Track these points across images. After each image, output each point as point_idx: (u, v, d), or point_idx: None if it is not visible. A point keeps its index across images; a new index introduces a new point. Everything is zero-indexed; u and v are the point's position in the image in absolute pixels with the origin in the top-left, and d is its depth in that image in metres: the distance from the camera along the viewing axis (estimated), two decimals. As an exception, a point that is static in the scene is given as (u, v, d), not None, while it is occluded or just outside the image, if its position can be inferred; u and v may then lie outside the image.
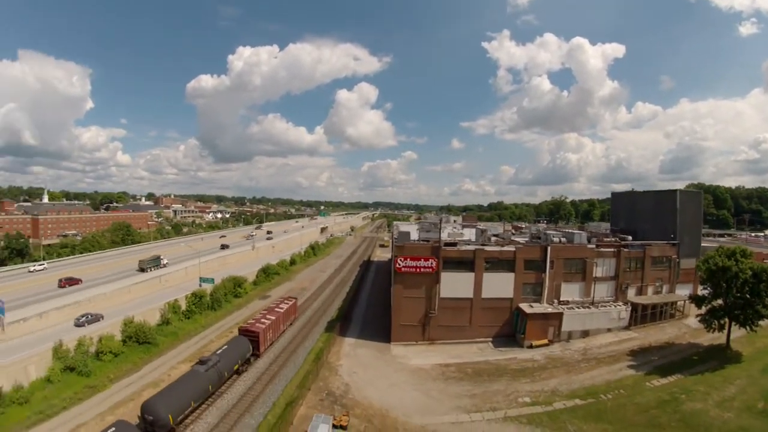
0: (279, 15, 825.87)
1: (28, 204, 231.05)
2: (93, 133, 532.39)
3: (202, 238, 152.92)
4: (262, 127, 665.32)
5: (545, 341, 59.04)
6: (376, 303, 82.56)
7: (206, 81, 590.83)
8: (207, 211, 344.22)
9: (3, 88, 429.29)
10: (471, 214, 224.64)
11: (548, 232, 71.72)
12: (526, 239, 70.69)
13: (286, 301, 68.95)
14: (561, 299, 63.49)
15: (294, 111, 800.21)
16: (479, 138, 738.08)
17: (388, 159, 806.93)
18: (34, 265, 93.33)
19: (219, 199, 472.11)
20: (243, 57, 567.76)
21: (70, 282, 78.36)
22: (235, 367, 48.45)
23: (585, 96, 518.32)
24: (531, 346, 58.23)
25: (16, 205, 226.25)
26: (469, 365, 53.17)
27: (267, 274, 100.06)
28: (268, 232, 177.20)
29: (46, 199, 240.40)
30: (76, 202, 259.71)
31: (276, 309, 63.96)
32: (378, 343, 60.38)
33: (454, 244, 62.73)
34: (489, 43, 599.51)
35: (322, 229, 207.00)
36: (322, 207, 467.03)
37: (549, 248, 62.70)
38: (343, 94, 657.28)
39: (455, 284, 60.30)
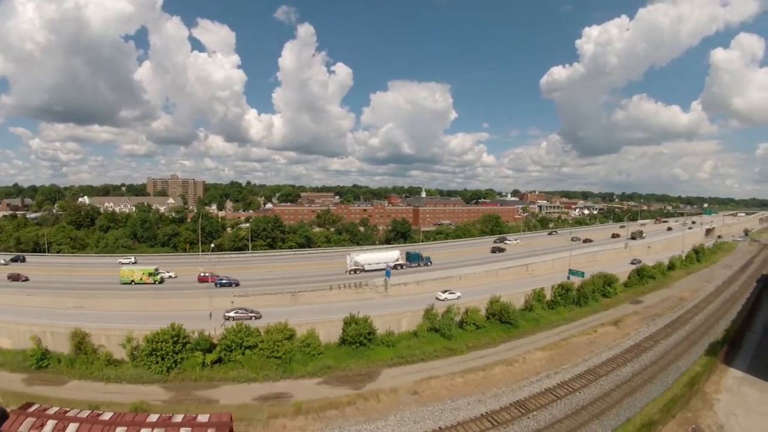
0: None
1: (410, 198, 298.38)
2: (459, 139, 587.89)
3: (570, 232, 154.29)
4: (627, 112, 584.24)
5: None
6: (780, 332, 61.33)
7: (558, 73, 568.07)
8: (573, 207, 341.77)
9: (382, 113, 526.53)
10: None
11: None
12: None
13: None
14: None
15: (662, 87, 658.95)
16: None
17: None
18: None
19: (585, 196, 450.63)
20: (591, 38, 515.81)
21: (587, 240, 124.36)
22: None
23: None
24: None
25: (399, 199, 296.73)
26: None
27: (641, 276, 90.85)
28: (692, 223, 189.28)
29: (423, 195, 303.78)
30: (449, 197, 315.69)
31: None
32: (774, 386, 44.59)
33: None
34: None
35: (708, 231, 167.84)
36: (706, 204, 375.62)
37: None
38: (718, 55, 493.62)
39: None
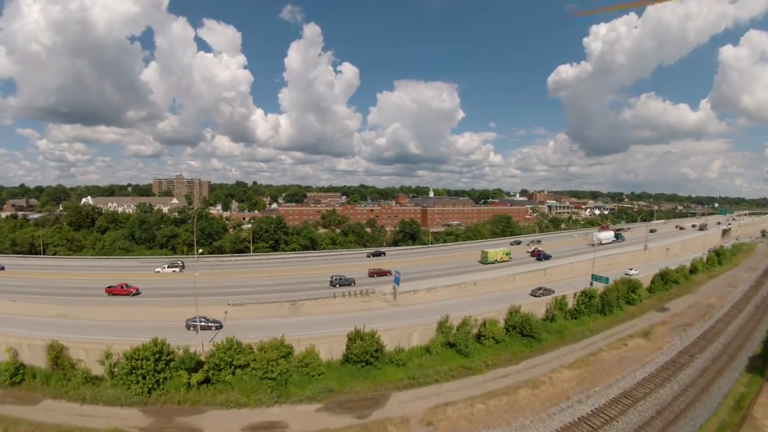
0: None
1: (418, 198, 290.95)
2: (467, 139, 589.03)
3: (586, 233, 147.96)
4: (635, 111, 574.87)
5: None
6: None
7: (566, 71, 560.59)
8: (583, 207, 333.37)
9: (389, 112, 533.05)
10: None
11: None
12: None
13: None
14: None
15: (670, 86, 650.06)
16: None
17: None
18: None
19: (594, 195, 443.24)
20: (599, 36, 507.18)
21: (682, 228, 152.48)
22: None
23: None
24: None
25: (407, 199, 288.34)
26: None
27: (665, 280, 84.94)
28: (733, 219, 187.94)
29: (431, 195, 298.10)
30: (457, 197, 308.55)
31: None
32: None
33: None
34: None
35: (724, 232, 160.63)
36: (716, 204, 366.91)
37: None
38: (727, 52, 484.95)
39: None
